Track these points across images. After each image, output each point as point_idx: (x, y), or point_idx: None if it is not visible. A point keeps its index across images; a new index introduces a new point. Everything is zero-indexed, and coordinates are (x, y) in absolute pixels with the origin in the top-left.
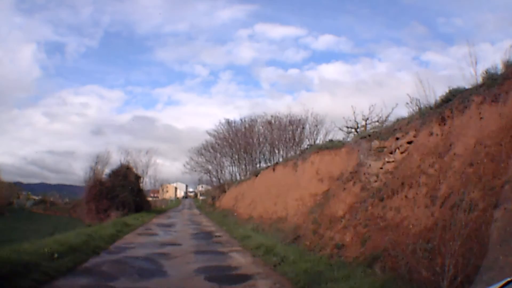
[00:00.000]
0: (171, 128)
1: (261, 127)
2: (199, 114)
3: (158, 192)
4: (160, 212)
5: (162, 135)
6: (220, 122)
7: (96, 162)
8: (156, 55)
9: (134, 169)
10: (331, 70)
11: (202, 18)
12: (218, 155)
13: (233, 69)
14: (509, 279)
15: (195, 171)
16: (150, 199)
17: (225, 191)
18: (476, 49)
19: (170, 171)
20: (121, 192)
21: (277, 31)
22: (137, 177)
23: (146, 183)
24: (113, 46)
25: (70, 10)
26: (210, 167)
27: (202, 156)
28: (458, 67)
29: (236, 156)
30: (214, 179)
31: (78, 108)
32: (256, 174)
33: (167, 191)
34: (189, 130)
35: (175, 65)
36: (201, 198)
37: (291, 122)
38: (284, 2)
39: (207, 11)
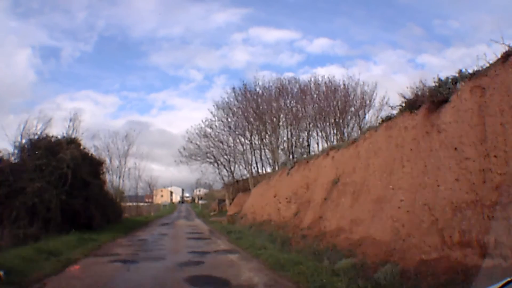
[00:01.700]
0: (166, 133)
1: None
2: (194, 119)
3: (152, 197)
4: (136, 226)
5: (157, 140)
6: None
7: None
8: (151, 60)
9: (93, 154)
10: (325, 74)
11: (197, 22)
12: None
13: (227, 73)
14: (509, 279)
15: (195, 159)
16: (129, 204)
17: (243, 190)
18: (473, 50)
19: (166, 177)
20: (33, 184)
21: (272, 35)
22: (96, 163)
23: (125, 185)
24: (108, 51)
25: (65, 14)
26: (215, 153)
27: (206, 139)
28: (454, 69)
29: (260, 136)
30: (223, 172)
31: (72, 113)
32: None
33: (162, 196)
34: (184, 135)
35: (170, 69)
36: (200, 202)
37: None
38: (278, 5)
39: (201, 15)
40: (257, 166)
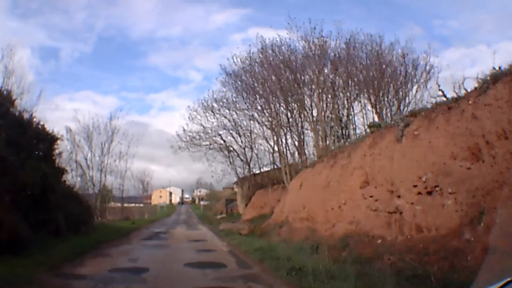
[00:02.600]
0: (165, 134)
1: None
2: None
3: (150, 198)
4: (109, 238)
5: (156, 141)
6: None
7: None
8: (150, 60)
9: (44, 126)
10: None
11: (196, 22)
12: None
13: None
14: (509, 279)
15: (199, 144)
16: (115, 206)
17: (262, 187)
18: (473, 50)
19: (165, 178)
20: None
21: (271, 35)
22: (42, 138)
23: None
24: (107, 51)
25: (64, 15)
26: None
27: (214, 116)
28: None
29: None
30: (237, 162)
31: (71, 114)
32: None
33: (160, 197)
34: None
35: (169, 70)
36: (202, 203)
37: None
38: (277, 5)
39: (200, 15)
40: (286, 154)
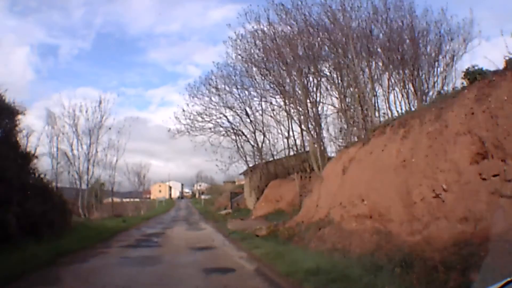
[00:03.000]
0: (164, 129)
1: None
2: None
3: (149, 192)
4: (82, 245)
5: (155, 136)
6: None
7: None
8: (149, 56)
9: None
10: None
11: (194, 18)
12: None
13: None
14: (509, 279)
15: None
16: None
17: (276, 177)
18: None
19: (164, 172)
20: None
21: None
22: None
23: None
24: (106, 48)
25: (62, 12)
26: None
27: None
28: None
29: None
30: (247, 147)
31: (70, 110)
32: None
33: (160, 191)
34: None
35: (168, 66)
36: (203, 198)
37: None
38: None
39: (199, 11)
40: (319, 134)
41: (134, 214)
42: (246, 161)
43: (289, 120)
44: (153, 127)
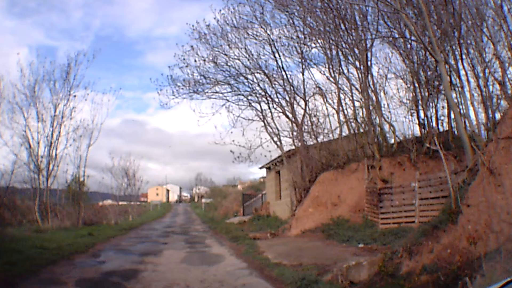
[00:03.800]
0: (162, 132)
1: None
2: (190, 118)
3: (146, 195)
4: None
5: (153, 139)
6: None
7: None
8: (147, 59)
9: None
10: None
11: (193, 21)
12: None
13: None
14: (509, 279)
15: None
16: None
17: (327, 168)
18: None
19: (162, 176)
20: None
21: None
22: None
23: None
24: (104, 50)
25: (61, 13)
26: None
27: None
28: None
29: None
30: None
31: (68, 112)
32: None
33: (157, 194)
34: (180, 134)
35: (166, 69)
36: (203, 201)
37: None
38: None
39: (197, 14)
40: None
41: (119, 220)
42: (279, 141)
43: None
44: (151, 129)
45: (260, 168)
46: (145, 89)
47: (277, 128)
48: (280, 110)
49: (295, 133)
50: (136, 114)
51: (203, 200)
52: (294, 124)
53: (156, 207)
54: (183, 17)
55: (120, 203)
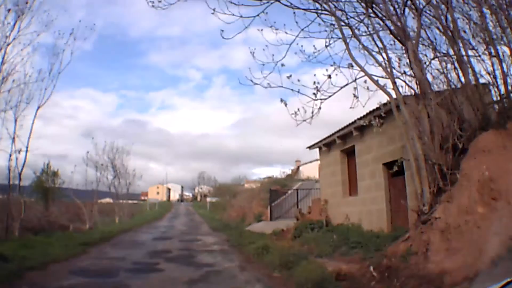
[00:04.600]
0: (164, 132)
1: None
2: (192, 118)
3: (147, 194)
4: None
5: (155, 139)
6: None
7: None
8: (150, 59)
9: None
10: (324, 73)
11: (196, 21)
12: None
13: (227, 73)
14: (509, 279)
15: None
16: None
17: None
18: None
19: (163, 175)
20: None
21: (272, 35)
22: None
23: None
24: (107, 50)
25: (63, 12)
26: None
27: None
28: None
29: None
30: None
31: (70, 111)
32: None
33: (158, 193)
34: (182, 135)
35: (168, 69)
36: (208, 201)
37: None
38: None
39: (200, 14)
40: None
41: (99, 224)
42: (389, 67)
43: None
44: (153, 130)
45: (309, 147)
46: (148, 88)
47: (383, 43)
48: (381, 18)
49: (407, 61)
50: (138, 114)
51: (208, 199)
52: (406, 47)
53: (154, 206)
54: (186, 17)
55: (122, 201)
